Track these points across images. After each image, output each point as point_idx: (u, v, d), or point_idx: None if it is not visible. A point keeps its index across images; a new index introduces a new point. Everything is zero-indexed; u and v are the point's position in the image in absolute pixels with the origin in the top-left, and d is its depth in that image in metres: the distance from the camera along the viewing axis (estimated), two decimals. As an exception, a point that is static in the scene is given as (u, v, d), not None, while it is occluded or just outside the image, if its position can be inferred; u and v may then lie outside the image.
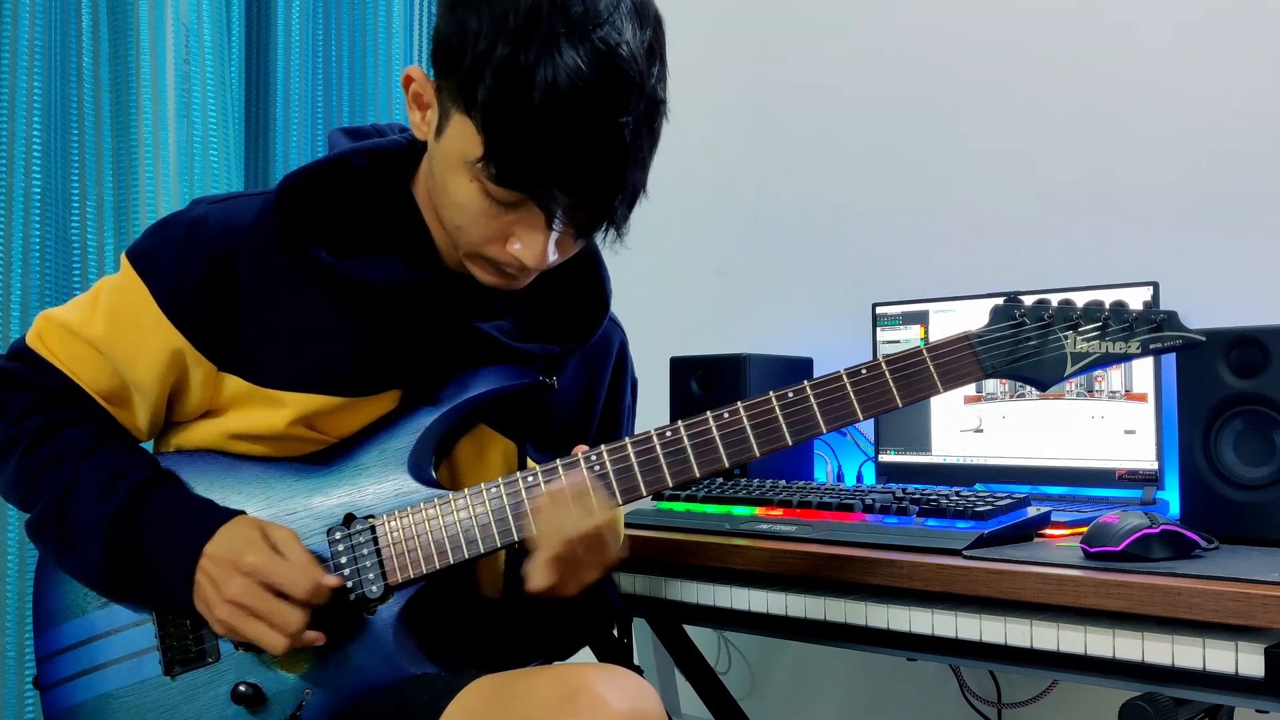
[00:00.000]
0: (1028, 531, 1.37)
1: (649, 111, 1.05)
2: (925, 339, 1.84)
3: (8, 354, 1.23)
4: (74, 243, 1.85)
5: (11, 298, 1.75)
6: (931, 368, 1.11)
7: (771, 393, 1.12)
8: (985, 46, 1.97)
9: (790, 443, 1.11)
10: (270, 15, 2.13)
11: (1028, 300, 1.14)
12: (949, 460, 1.81)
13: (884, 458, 1.89)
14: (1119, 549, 1.20)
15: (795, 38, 2.23)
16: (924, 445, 1.84)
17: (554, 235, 1.09)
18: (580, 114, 1.00)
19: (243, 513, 1.14)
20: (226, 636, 1.11)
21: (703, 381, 1.94)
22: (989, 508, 1.35)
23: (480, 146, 1.03)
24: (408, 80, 1.12)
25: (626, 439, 1.13)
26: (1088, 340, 1.11)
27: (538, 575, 1.09)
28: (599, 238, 1.12)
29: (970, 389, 1.78)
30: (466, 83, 1.02)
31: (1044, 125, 1.90)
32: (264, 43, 2.14)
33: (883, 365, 1.11)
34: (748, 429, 1.11)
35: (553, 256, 1.10)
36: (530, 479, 1.13)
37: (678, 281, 2.39)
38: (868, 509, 1.44)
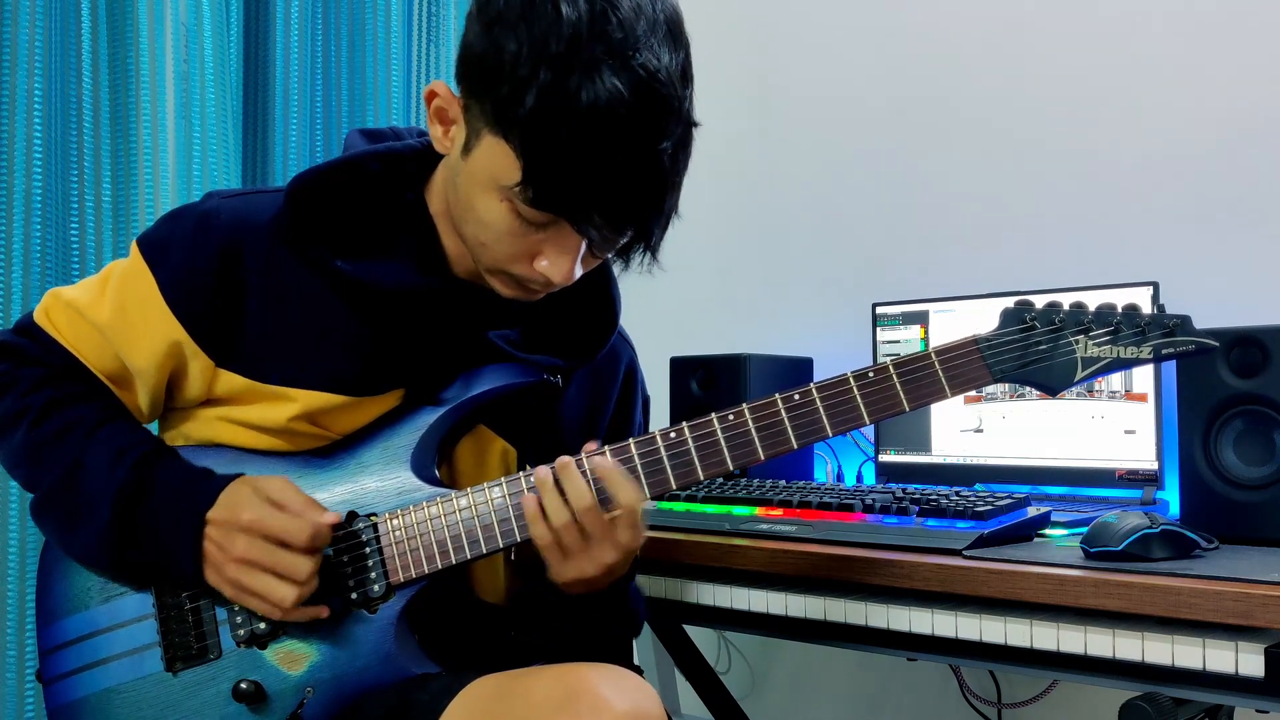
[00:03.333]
0: (1028, 531, 1.37)
1: (684, 135, 1.05)
2: (925, 339, 1.84)
3: (14, 328, 1.24)
4: (74, 243, 1.85)
5: (12, 298, 1.75)
6: (940, 372, 1.09)
7: (777, 395, 1.11)
8: (985, 47, 1.97)
9: (795, 446, 1.10)
10: (269, 15, 2.12)
11: (1038, 303, 1.12)
12: (949, 460, 1.81)
13: (884, 458, 1.89)
14: (1119, 549, 1.20)
15: (797, 39, 2.23)
16: (924, 445, 1.84)
17: (580, 254, 1.09)
18: (621, 139, 1.00)
19: (239, 475, 1.15)
20: (238, 600, 1.11)
21: (703, 381, 1.94)
22: (989, 508, 1.35)
23: (518, 170, 1.02)
24: (430, 95, 1.11)
25: (630, 440, 1.13)
26: (1099, 345, 1.10)
27: (556, 568, 1.12)
28: (635, 260, 1.12)
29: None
30: (504, 106, 1.01)
31: (1044, 126, 1.90)
32: (263, 43, 2.13)
33: (890, 369, 1.10)
34: (752, 431, 1.10)
35: (578, 273, 1.11)
36: (533, 479, 1.13)
37: (678, 281, 2.38)
38: (868, 509, 1.44)
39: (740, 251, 2.30)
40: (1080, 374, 1.10)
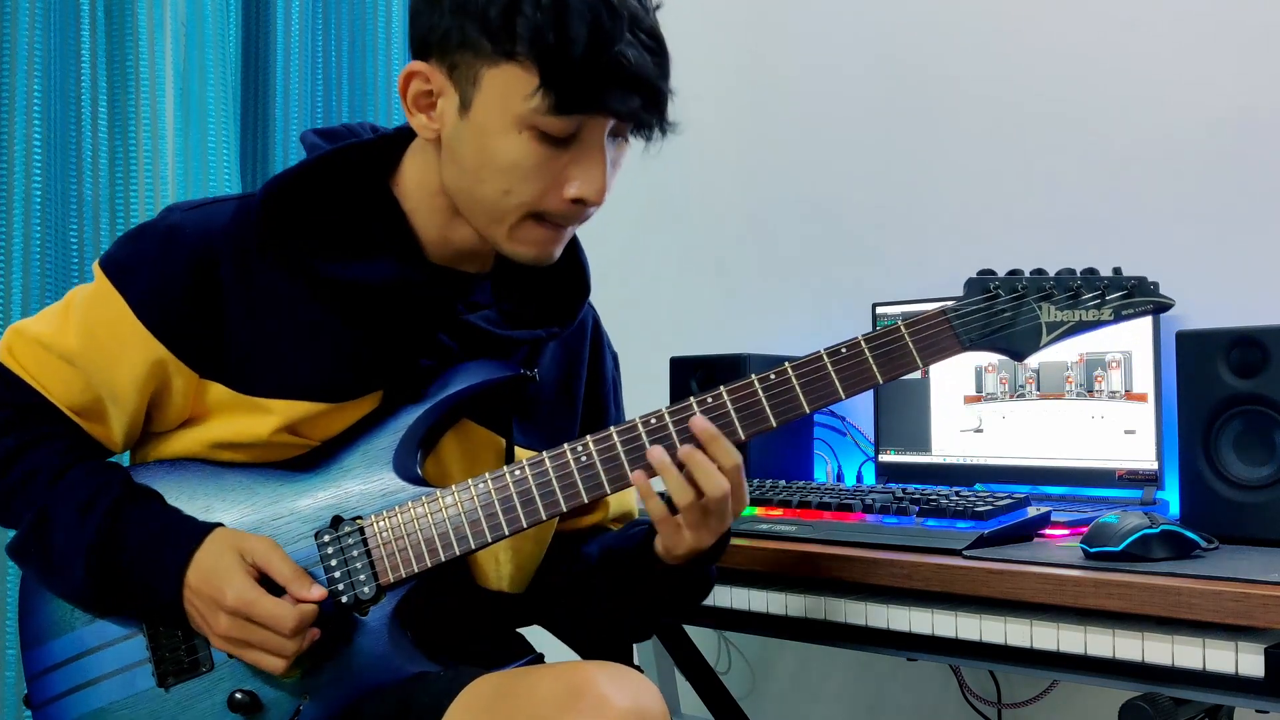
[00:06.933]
0: (1028, 531, 1.37)
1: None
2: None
3: None
4: (73, 243, 1.85)
5: (12, 298, 1.75)
6: (910, 343, 1.11)
7: (753, 375, 1.12)
8: (986, 46, 1.97)
9: (774, 424, 1.12)
10: (269, 15, 2.13)
11: (1001, 272, 1.14)
12: (949, 460, 1.81)
13: (884, 458, 1.89)
14: (1119, 549, 1.20)
15: (795, 38, 2.23)
16: (924, 445, 1.84)
17: (608, 166, 1.11)
18: (614, 15, 1.04)
19: (220, 525, 1.13)
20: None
21: (703, 381, 1.94)
22: (989, 508, 1.35)
23: (532, 82, 1.05)
24: (407, 78, 1.12)
25: (612, 428, 1.13)
26: (1061, 309, 1.12)
27: (670, 540, 1.12)
28: (654, 135, 1.14)
29: (970, 388, 1.78)
30: (500, 30, 1.05)
31: (1044, 124, 1.90)
32: (263, 43, 2.14)
33: (861, 343, 1.11)
34: (731, 413, 1.11)
35: (609, 191, 1.13)
36: (518, 472, 1.13)
37: (678, 281, 2.39)
38: (868, 509, 1.44)
39: (740, 251, 2.30)
40: (1045, 338, 1.12)
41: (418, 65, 1.11)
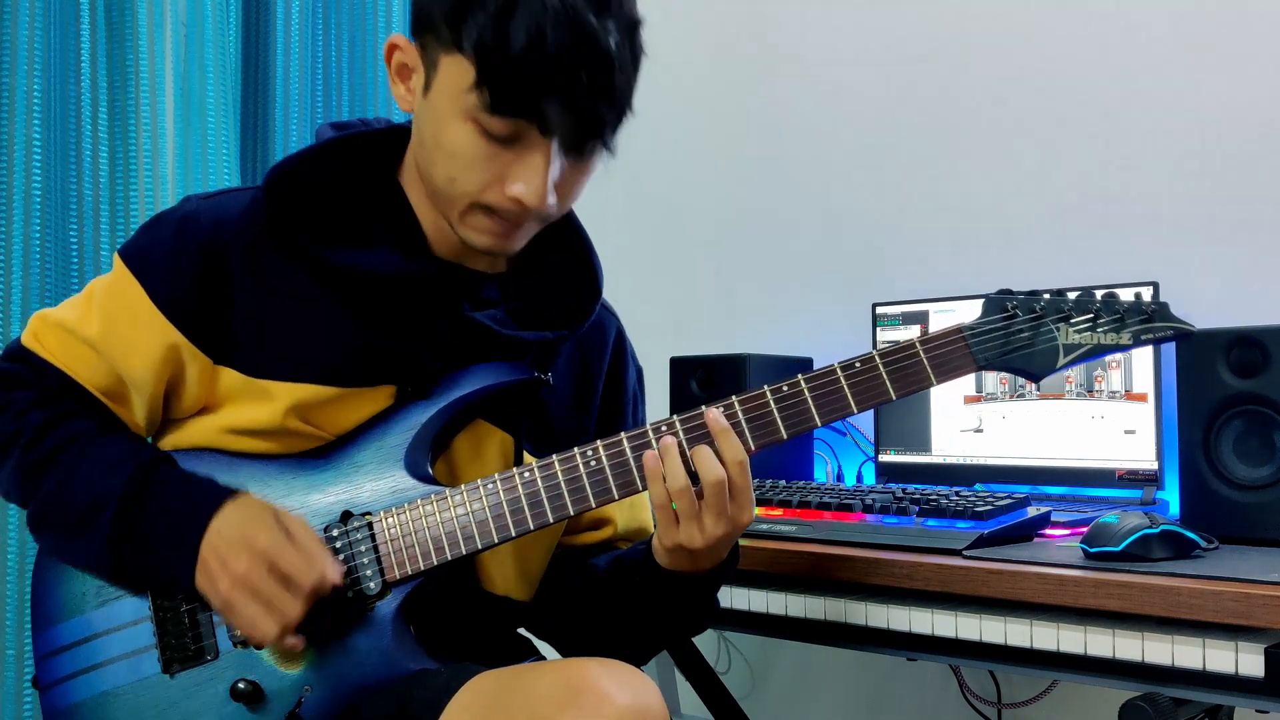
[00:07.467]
0: (1028, 531, 1.37)
1: (628, 25, 1.09)
2: (925, 339, 1.84)
3: (4, 355, 1.23)
4: (73, 243, 1.85)
5: (12, 298, 1.75)
6: (925, 360, 1.11)
7: (766, 386, 1.12)
8: (986, 47, 1.97)
9: (785, 436, 1.11)
10: (269, 15, 2.13)
11: (1008, 282, 1.13)
12: (949, 460, 1.81)
13: (884, 458, 1.89)
14: (1119, 549, 1.20)
15: (799, 39, 2.23)
16: (924, 445, 1.84)
17: (552, 175, 1.10)
18: (563, 27, 1.03)
19: (246, 492, 1.14)
20: (223, 614, 1.11)
21: (703, 381, 1.94)
22: (989, 508, 1.35)
23: (473, 75, 1.05)
24: (391, 49, 1.14)
25: (623, 434, 1.13)
26: (1080, 332, 1.12)
27: (662, 529, 1.12)
28: (589, 153, 1.12)
29: (970, 389, 1.78)
30: (454, 20, 1.05)
31: (1044, 125, 1.90)
32: (263, 43, 2.14)
33: (876, 358, 1.11)
34: (743, 422, 1.11)
35: (551, 199, 1.11)
36: (527, 474, 1.13)
37: (678, 281, 2.39)
38: (868, 509, 1.44)
39: (740, 251, 2.30)
40: (1062, 360, 1.12)
41: (399, 39, 1.14)
